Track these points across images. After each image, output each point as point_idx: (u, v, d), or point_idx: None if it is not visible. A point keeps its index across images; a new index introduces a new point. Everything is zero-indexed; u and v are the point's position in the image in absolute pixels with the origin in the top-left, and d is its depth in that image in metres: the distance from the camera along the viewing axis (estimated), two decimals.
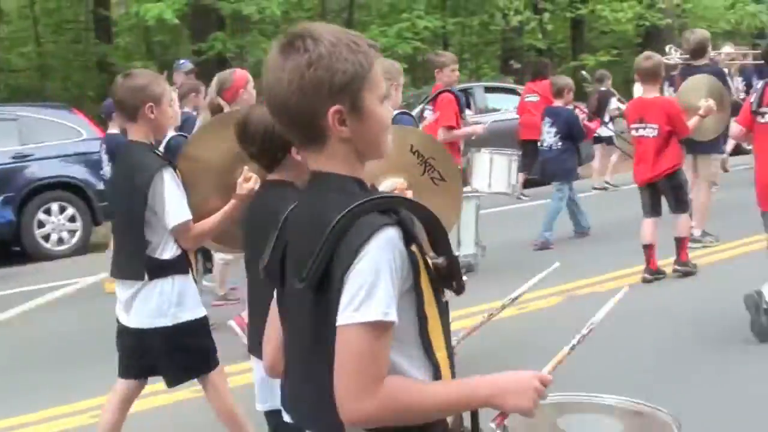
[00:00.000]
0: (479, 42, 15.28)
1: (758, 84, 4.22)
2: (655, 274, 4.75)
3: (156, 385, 2.73)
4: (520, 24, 12.83)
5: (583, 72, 10.67)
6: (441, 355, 1.15)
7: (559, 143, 5.91)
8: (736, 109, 4.82)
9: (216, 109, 3.84)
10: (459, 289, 1.17)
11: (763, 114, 3.84)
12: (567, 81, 6.42)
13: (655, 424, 1.39)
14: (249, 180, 2.33)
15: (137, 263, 2.47)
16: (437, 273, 1.13)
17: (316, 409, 1.14)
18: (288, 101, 1.08)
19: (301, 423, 1.22)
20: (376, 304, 1.03)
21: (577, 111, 6.70)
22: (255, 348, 1.88)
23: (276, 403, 1.63)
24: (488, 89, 10.03)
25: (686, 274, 4.78)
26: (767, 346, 3.55)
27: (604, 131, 8.42)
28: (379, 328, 1.05)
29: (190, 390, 2.87)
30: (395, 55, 11.93)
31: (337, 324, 1.05)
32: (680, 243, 4.84)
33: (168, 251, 2.49)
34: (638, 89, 6.45)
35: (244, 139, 1.97)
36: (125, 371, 2.61)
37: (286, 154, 1.89)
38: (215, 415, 2.64)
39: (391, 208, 1.08)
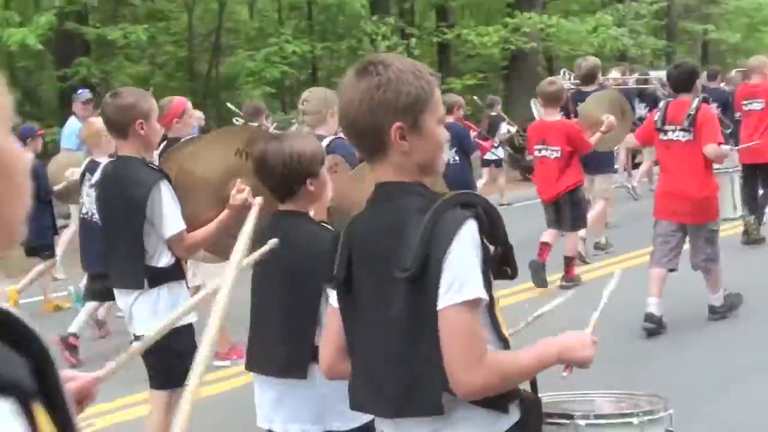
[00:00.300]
0: (348, 66, 16.88)
1: (661, 103, 5.29)
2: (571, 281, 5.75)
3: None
4: (388, 49, 14.49)
5: (475, 97, 12.45)
6: (504, 332, 1.42)
7: (456, 157, 6.52)
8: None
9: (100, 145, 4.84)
10: (514, 274, 1.45)
11: (665, 131, 4.88)
12: (457, 99, 7.54)
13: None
14: (242, 191, 2.79)
15: (137, 272, 2.93)
16: (494, 259, 1.40)
17: (412, 392, 1.37)
18: (358, 117, 1.39)
19: (390, 411, 1.43)
20: (472, 284, 1.32)
21: (471, 132, 7.89)
22: (258, 365, 2.21)
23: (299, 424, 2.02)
24: None
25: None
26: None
27: (492, 154, 9.92)
28: (476, 305, 1.33)
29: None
30: (263, 80, 13.30)
31: (442, 306, 1.32)
32: (568, 261, 5.86)
33: (163, 259, 2.94)
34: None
35: (263, 172, 2.30)
36: (151, 382, 3.16)
37: (301, 186, 2.22)
38: (154, 425, 3.04)
39: (469, 203, 1.41)
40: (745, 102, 6.95)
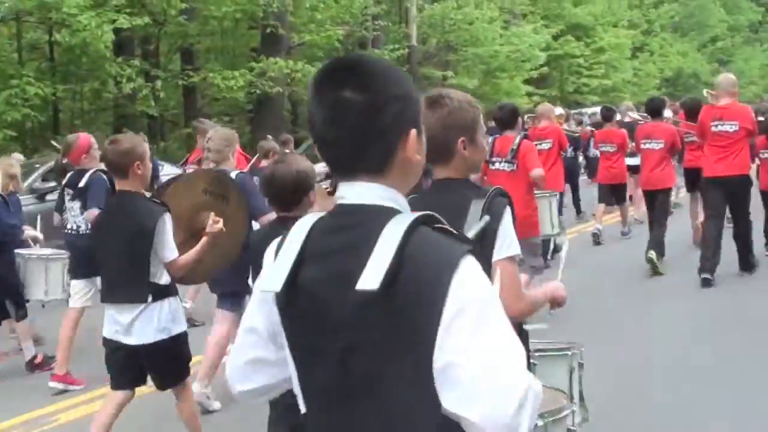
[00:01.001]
0: (91, 108, 20.55)
1: (489, 139, 7.26)
2: None
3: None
4: (133, 91, 18.34)
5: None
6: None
7: None
8: None
9: (61, 169, 7.09)
10: None
11: (493, 162, 7.40)
12: (273, 145, 10.85)
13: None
14: (218, 222, 4.69)
15: (142, 289, 4.48)
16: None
17: None
18: (435, 134, 2.51)
19: None
20: (515, 246, 2.69)
21: None
22: None
23: None
24: None
25: None
26: None
27: None
28: (516, 259, 2.70)
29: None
30: (4, 122, 16.46)
31: (498, 258, 2.61)
32: None
33: (163, 278, 4.55)
34: None
35: (274, 188, 3.77)
36: (118, 384, 4.68)
37: (303, 197, 3.74)
38: (182, 414, 4.70)
39: (505, 194, 2.75)
40: (536, 142, 9.51)
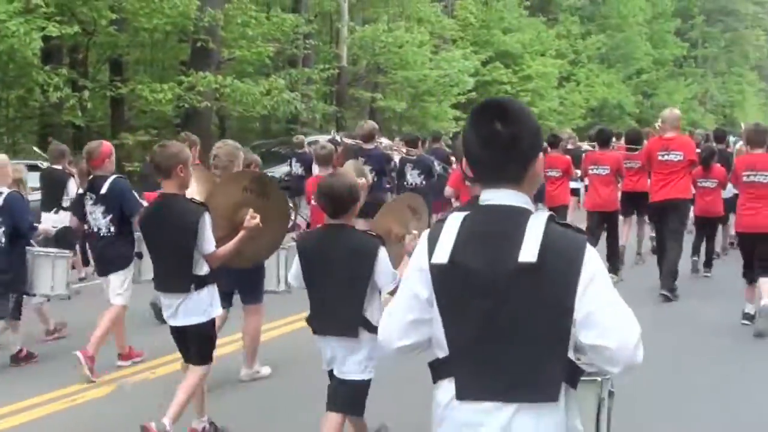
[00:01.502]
0: (17, 116, 20.62)
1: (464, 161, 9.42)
2: None
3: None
4: (60, 100, 18.51)
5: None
6: None
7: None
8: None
9: (85, 173, 7.92)
10: None
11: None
12: (254, 157, 10.79)
13: None
14: (255, 218, 5.39)
15: (186, 280, 5.24)
16: None
17: None
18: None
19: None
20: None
21: None
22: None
23: None
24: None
25: None
26: None
27: None
28: None
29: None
30: None
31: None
32: None
33: (203, 269, 5.30)
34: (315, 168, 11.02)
35: (331, 198, 4.65)
36: (186, 359, 5.66)
37: (352, 207, 4.66)
38: (180, 393, 5.31)
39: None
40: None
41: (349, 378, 4.74)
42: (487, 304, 2.48)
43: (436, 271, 2.55)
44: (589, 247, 2.49)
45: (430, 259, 2.56)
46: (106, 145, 7.79)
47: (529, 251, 2.42)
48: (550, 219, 2.50)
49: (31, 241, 8.11)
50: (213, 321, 5.56)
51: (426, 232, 2.67)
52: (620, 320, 2.43)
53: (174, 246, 5.37)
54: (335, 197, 4.72)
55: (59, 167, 10.69)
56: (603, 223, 11.34)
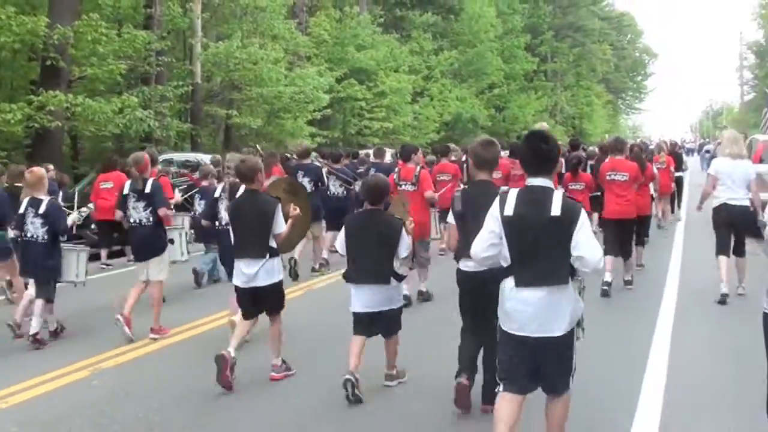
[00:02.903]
0: None
1: (396, 168, 12.11)
2: None
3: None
4: None
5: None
6: None
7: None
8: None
9: (135, 177, 9.90)
10: None
11: (401, 185, 11.30)
12: (211, 169, 13.71)
13: None
14: (296, 210, 8.02)
15: (264, 250, 7.70)
16: None
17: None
18: (490, 160, 6.67)
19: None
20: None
21: None
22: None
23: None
24: None
25: None
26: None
27: None
28: None
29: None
30: None
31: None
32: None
33: (273, 243, 7.80)
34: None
35: (375, 192, 7.38)
36: (247, 316, 7.96)
37: (385, 197, 7.51)
38: (271, 332, 8.01)
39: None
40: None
41: (386, 309, 7.29)
42: (532, 236, 5.06)
43: (506, 219, 5.13)
44: (582, 209, 5.12)
45: (501, 212, 5.15)
46: (146, 156, 10.34)
47: (556, 209, 5.02)
48: (563, 194, 5.18)
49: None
50: (281, 282, 8.08)
51: (498, 197, 5.27)
52: (592, 246, 5.00)
53: (257, 225, 7.78)
54: (375, 191, 7.41)
55: None
56: None
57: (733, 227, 11.22)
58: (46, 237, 9.71)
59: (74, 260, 10.17)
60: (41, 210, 9.74)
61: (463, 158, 18.63)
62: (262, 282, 7.79)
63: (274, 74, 29.14)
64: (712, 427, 6.47)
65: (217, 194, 10.24)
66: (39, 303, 9.65)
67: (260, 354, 8.46)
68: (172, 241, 10.69)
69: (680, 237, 18.23)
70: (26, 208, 9.84)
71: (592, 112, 78.20)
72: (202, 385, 7.72)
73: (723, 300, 10.77)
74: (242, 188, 8.22)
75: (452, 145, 22.58)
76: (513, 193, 5.17)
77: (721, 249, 11.22)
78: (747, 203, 11.08)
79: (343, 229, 7.49)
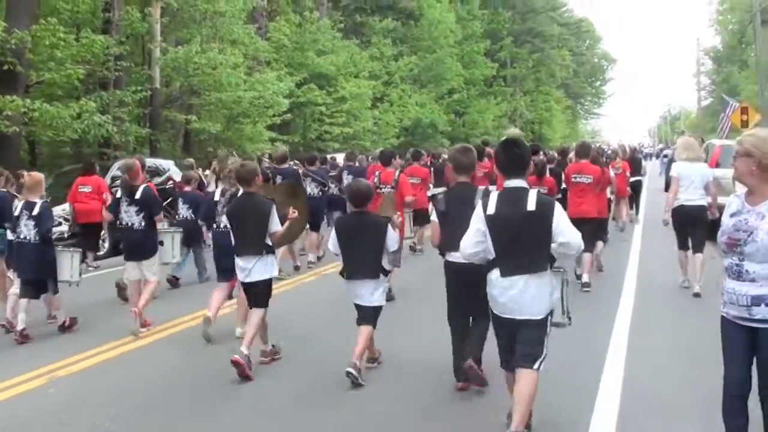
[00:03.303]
0: None
1: (377, 173, 13.91)
2: None
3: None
4: None
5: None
6: None
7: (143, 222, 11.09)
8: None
9: (126, 184, 10.70)
10: None
11: (381, 188, 12.86)
12: (194, 174, 14.21)
13: None
14: (295, 213, 8.87)
15: (260, 247, 8.53)
16: None
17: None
18: (467, 164, 7.56)
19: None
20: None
21: None
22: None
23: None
24: None
25: None
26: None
27: None
28: None
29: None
30: None
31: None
32: None
33: (269, 241, 8.62)
34: None
35: (360, 196, 8.11)
36: (251, 304, 8.79)
37: (369, 201, 8.22)
38: (253, 325, 8.48)
39: (486, 192, 6.84)
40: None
41: (373, 305, 8.10)
42: (513, 231, 5.90)
43: (489, 217, 5.99)
44: (557, 203, 6.01)
45: (485, 211, 6.01)
46: (137, 163, 11.06)
47: (531, 205, 5.87)
48: (538, 192, 6.04)
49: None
50: (272, 278, 8.85)
51: (480, 200, 6.22)
52: (572, 232, 5.86)
53: (254, 224, 8.60)
54: (359, 196, 8.15)
55: None
56: None
57: (690, 226, 12.11)
58: (37, 238, 10.32)
59: (68, 261, 10.76)
60: (35, 212, 10.35)
61: (430, 162, 19.93)
62: (256, 277, 8.63)
63: (234, 79, 29.12)
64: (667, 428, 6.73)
65: (216, 198, 10.50)
66: (23, 302, 10.30)
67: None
68: (162, 243, 11.49)
69: (638, 239, 18.83)
70: (21, 211, 10.46)
71: (551, 117, 79.15)
72: (160, 392, 7.90)
73: (685, 287, 12.09)
74: (240, 190, 9.04)
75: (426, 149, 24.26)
76: (494, 195, 6.11)
77: (681, 246, 12.32)
78: (704, 203, 11.98)
79: (333, 230, 8.33)
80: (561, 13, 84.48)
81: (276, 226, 8.66)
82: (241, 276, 8.75)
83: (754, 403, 5.22)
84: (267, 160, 16.89)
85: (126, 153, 25.33)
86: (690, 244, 12.14)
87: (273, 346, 8.91)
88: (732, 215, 5.30)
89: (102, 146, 25.11)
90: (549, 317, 6.05)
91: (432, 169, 18.99)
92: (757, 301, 5.05)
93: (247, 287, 8.77)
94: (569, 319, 6.26)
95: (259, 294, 8.70)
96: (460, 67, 55.71)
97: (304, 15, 39.70)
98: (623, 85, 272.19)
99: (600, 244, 13.94)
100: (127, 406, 7.56)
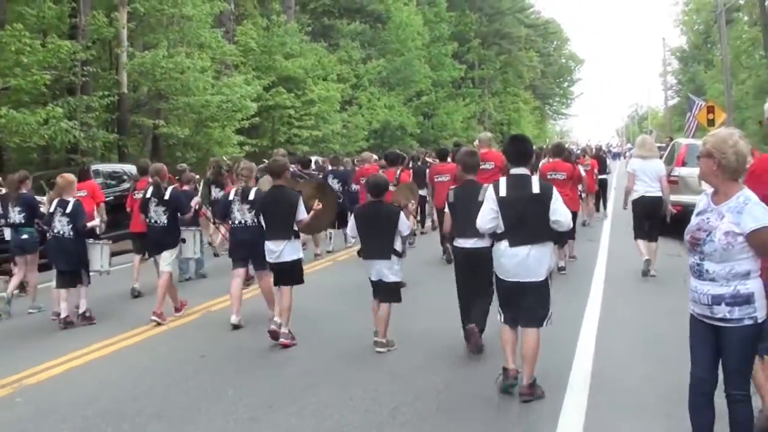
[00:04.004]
0: None
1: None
2: None
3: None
4: None
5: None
6: None
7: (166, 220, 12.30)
8: None
9: (157, 185, 12.25)
10: None
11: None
12: (192, 175, 15.39)
13: None
14: (319, 206, 10.31)
15: (289, 232, 9.95)
16: None
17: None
18: (474, 165, 9.28)
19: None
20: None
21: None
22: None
23: None
24: None
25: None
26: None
27: None
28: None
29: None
30: None
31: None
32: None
33: (296, 227, 10.01)
34: None
35: (378, 188, 9.52)
36: (276, 282, 10.15)
37: (384, 192, 9.62)
38: (284, 308, 9.91)
39: (483, 187, 8.28)
40: (362, 178, 16.39)
41: (390, 280, 9.32)
42: (520, 209, 7.25)
43: (500, 198, 7.32)
44: (554, 187, 7.39)
45: (497, 194, 7.34)
46: (164, 167, 12.93)
47: (536, 188, 7.28)
48: (539, 178, 7.48)
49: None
50: (302, 259, 10.26)
51: (492, 185, 7.53)
52: (564, 212, 7.26)
53: (284, 213, 9.94)
54: (378, 187, 9.53)
55: None
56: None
57: (647, 216, 13.80)
58: (71, 233, 11.70)
59: (98, 253, 12.19)
60: (68, 210, 11.72)
61: (410, 164, 21.34)
62: (287, 258, 9.96)
63: (201, 83, 29.17)
64: (635, 417, 7.09)
65: (231, 197, 11.34)
66: (62, 292, 11.66)
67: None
68: (184, 240, 12.88)
69: (606, 233, 19.76)
70: (55, 208, 11.82)
71: (520, 118, 79.73)
72: (129, 399, 8.01)
73: (646, 270, 13.49)
74: (267, 184, 10.85)
75: (421, 149, 25.05)
76: (503, 180, 7.50)
77: (638, 233, 13.93)
78: (659, 195, 13.67)
79: (352, 217, 9.76)
80: (528, 15, 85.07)
81: (302, 214, 10.01)
82: (271, 257, 10.02)
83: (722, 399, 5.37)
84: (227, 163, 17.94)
85: (94, 159, 25.38)
86: (647, 231, 13.73)
87: (290, 331, 9.95)
88: (698, 214, 5.44)
89: (70, 152, 25.07)
90: (549, 280, 7.43)
91: (412, 171, 19.59)
92: (717, 300, 5.19)
93: (277, 267, 10.03)
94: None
95: (287, 271, 10.02)
96: (428, 69, 56.05)
97: (271, 18, 39.79)
98: (591, 86, 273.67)
99: (571, 242, 15.23)
100: (94, 411, 7.71)
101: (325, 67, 41.18)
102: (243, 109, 30.63)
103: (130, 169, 21.37)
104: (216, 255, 18.08)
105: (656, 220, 13.81)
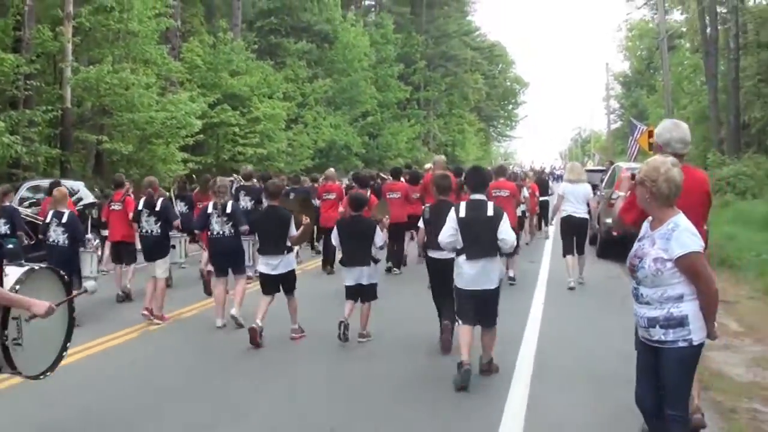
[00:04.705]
0: None
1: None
2: None
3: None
4: None
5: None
6: None
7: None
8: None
9: (150, 198, 13.52)
10: None
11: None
12: (163, 192, 15.26)
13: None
14: (307, 220, 11.86)
15: (282, 247, 11.29)
16: None
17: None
18: (447, 186, 10.54)
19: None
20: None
21: None
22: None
23: None
24: None
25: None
26: None
27: None
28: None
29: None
30: None
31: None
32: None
33: (289, 243, 11.36)
34: None
35: (355, 203, 11.30)
36: (266, 292, 11.41)
37: (363, 208, 11.45)
38: (290, 306, 11.52)
39: (452, 205, 9.67)
40: (324, 194, 18.83)
41: (368, 283, 11.00)
42: (477, 228, 8.76)
43: (460, 219, 8.82)
44: (504, 213, 8.92)
45: (457, 215, 8.84)
46: (156, 180, 14.54)
47: (490, 212, 8.81)
48: (493, 204, 8.99)
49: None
50: (295, 269, 11.64)
51: (454, 208, 9.00)
52: (509, 232, 8.76)
53: (277, 230, 11.20)
54: (358, 202, 11.18)
55: None
56: (404, 231, 18.20)
57: (575, 234, 15.75)
58: (66, 242, 12.65)
59: (89, 259, 13.34)
60: (63, 220, 12.71)
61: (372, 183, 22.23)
62: (282, 270, 11.32)
63: (146, 99, 29.06)
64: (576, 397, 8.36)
65: (209, 211, 12.42)
66: None
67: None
68: (174, 247, 14.49)
69: (548, 251, 21.14)
70: (51, 219, 12.88)
71: (465, 140, 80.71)
72: (99, 405, 8.26)
73: (571, 288, 15.15)
74: (266, 203, 11.98)
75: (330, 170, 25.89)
76: (463, 204, 9.02)
77: (567, 251, 15.80)
78: (586, 216, 15.86)
79: (335, 229, 11.28)
80: (474, 38, 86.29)
81: (293, 230, 11.33)
82: (267, 270, 11.33)
83: None
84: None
85: (36, 174, 25.24)
86: (575, 248, 15.66)
87: (299, 326, 11.45)
88: (639, 240, 5.65)
89: (11, 167, 24.92)
90: (499, 288, 9.01)
91: (371, 190, 20.07)
92: (652, 323, 5.43)
93: (274, 278, 11.30)
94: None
95: (286, 282, 11.41)
96: (374, 90, 56.58)
97: (218, 36, 39.92)
98: (536, 109, 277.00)
99: (516, 257, 16.52)
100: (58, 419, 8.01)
101: (271, 85, 41.27)
102: (187, 126, 30.50)
103: (74, 185, 21.35)
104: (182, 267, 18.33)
105: (582, 238, 15.99)
